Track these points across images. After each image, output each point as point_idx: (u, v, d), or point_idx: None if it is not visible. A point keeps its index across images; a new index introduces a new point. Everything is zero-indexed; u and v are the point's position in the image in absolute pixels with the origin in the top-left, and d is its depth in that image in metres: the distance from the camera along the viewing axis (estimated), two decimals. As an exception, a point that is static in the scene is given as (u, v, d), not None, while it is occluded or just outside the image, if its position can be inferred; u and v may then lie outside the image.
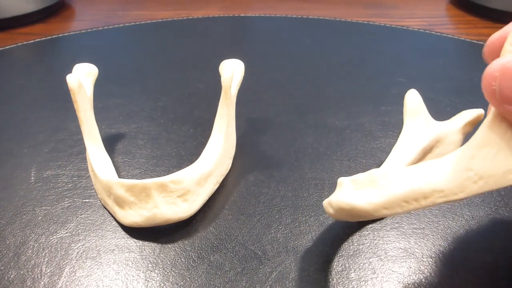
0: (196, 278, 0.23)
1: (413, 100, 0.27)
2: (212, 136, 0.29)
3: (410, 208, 0.17)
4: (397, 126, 0.33)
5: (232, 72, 0.27)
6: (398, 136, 0.30)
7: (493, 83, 0.16)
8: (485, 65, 0.17)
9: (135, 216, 0.24)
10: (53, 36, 0.51)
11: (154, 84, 0.40)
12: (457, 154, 0.17)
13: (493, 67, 0.16)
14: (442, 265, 0.23)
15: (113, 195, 0.25)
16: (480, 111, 0.28)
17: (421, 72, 0.41)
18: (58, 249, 0.24)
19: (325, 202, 0.20)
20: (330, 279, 0.22)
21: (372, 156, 0.31)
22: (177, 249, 0.24)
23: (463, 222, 0.25)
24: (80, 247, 0.24)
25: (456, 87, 0.39)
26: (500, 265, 0.23)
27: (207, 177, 0.26)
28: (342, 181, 0.19)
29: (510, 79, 0.16)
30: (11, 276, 0.23)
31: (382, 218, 0.26)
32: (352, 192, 0.18)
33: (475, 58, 0.44)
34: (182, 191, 0.25)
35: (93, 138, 0.28)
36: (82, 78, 0.29)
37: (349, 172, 0.29)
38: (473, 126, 0.28)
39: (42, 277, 0.23)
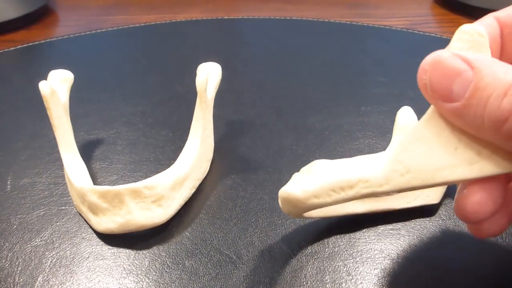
0: (169, 284, 0.22)
1: (405, 118, 0.26)
2: (189, 140, 0.29)
3: (338, 198, 0.17)
4: (376, 126, 0.33)
5: (206, 75, 0.27)
6: (377, 137, 0.30)
7: (424, 77, 0.16)
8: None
9: (109, 222, 0.24)
10: (35, 43, 0.51)
11: (134, 88, 0.40)
12: (392, 147, 0.17)
13: (426, 61, 0.16)
14: (418, 265, 0.23)
15: (87, 202, 0.25)
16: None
17: (402, 71, 0.41)
18: (32, 258, 0.24)
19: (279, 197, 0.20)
20: (304, 283, 0.22)
21: (351, 157, 0.30)
22: (151, 255, 0.24)
23: (440, 222, 0.25)
24: (54, 255, 0.24)
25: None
26: (473, 265, 0.23)
27: (182, 181, 0.26)
28: (294, 174, 0.19)
29: (439, 72, 0.15)
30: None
31: (361, 222, 0.25)
32: (295, 183, 0.18)
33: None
34: (156, 197, 0.24)
35: (67, 144, 0.28)
36: (57, 85, 0.29)
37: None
38: None
39: (15, 287, 0.23)
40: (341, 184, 0.17)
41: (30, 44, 0.50)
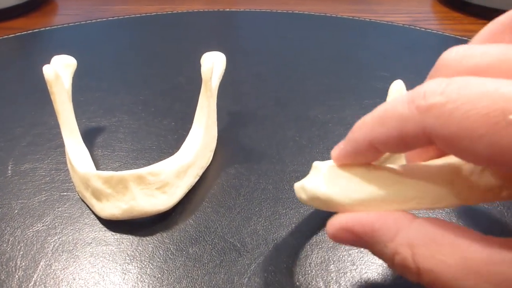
0: (174, 270, 0.22)
1: (397, 90, 0.27)
2: (193, 129, 0.28)
3: (387, 209, 0.17)
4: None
5: (212, 63, 0.27)
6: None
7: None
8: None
9: (112, 208, 0.24)
10: (34, 30, 0.50)
11: (135, 78, 0.40)
12: (445, 165, 0.17)
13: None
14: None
15: (90, 187, 0.25)
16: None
17: (404, 67, 0.41)
18: (34, 243, 0.24)
19: (298, 186, 0.18)
20: (309, 271, 0.22)
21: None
22: (155, 241, 0.24)
23: (443, 214, 0.25)
24: (57, 240, 0.24)
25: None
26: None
27: (186, 169, 0.26)
28: (318, 166, 0.18)
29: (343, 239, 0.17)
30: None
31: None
32: (328, 181, 0.17)
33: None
34: (161, 183, 0.24)
35: (70, 130, 0.28)
36: (60, 70, 0.28)
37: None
38: None
39: (17, 271, 0.22)
40: (396, 199, 0.17)
41: (30, 31, 0.50)
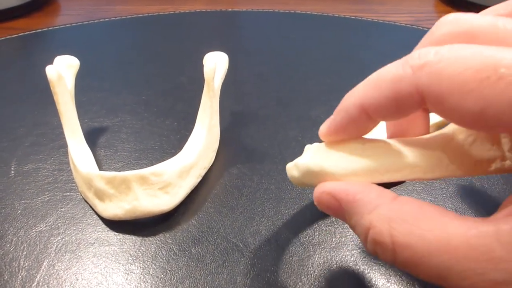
0: (176, 270, 0.22)
1: None
2: (195, 129, 0.28)
3: (380, 179, 0.17)
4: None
5: (214, 64, 0.27)
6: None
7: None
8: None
9: (115, 209, 0.24)
10: (37, 30, 0.50)
11: (138, 78, 0.40)
12: (437, 137, 0.17)
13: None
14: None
15: (93, 188, 0.25)
16: None
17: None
18: (37, 243, 0.24)
19: (290, 165, 0.18)
20: (312, 271, 0.22)
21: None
22: (158, 242, 0.24)
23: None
24: (60, 240, 0.24)
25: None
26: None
27: (189, 169, 0.26)
28: (310, 146, 0.18)
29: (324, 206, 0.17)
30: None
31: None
32: (321, 155, 0.17)
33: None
34: (163, 184, 0.24)
35: (73, 130, 0.28)
36: (63, 70, 0.29)
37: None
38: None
39: (20, 271, 0.22)
40: (388, 167, 0.17)
41: (32, 31, 0.50)
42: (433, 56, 0.13)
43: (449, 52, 0.13)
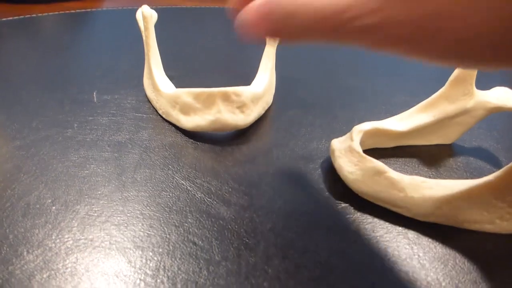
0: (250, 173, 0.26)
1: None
2: (260, 70, 0.33)
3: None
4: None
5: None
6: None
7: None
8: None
9: (200, 120, 0.28)
10: (87, 10, 0.55)
11: (201, 67, 0.45)
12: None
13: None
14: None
15: (179, 104, 0.29)
16: None
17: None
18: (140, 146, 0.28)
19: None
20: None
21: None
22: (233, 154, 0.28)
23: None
24: (150, 144, 0.28)
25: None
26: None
27: (258, 98, 0.30)
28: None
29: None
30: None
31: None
32: None
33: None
34: (241, 103, 0.28)
35: (156, 63, 0.32)
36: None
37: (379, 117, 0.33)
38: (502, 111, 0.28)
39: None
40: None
41: (83, 10, 0.55)
42: None
43: None
